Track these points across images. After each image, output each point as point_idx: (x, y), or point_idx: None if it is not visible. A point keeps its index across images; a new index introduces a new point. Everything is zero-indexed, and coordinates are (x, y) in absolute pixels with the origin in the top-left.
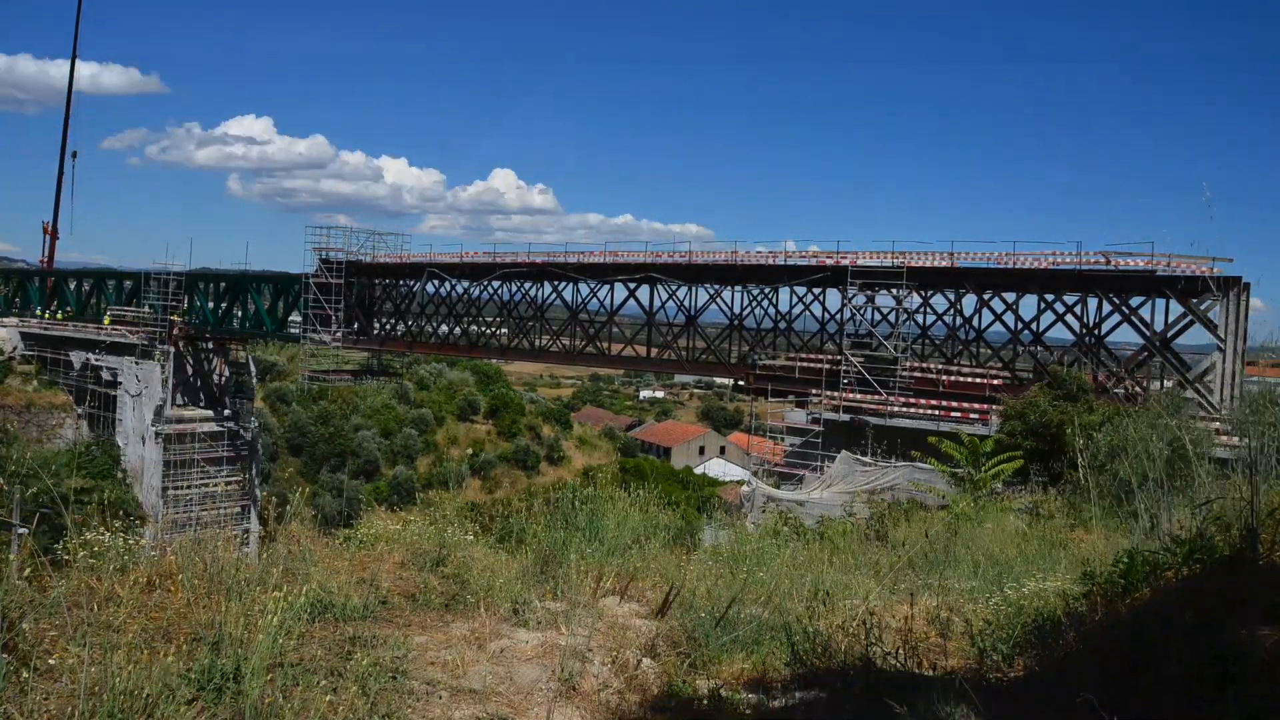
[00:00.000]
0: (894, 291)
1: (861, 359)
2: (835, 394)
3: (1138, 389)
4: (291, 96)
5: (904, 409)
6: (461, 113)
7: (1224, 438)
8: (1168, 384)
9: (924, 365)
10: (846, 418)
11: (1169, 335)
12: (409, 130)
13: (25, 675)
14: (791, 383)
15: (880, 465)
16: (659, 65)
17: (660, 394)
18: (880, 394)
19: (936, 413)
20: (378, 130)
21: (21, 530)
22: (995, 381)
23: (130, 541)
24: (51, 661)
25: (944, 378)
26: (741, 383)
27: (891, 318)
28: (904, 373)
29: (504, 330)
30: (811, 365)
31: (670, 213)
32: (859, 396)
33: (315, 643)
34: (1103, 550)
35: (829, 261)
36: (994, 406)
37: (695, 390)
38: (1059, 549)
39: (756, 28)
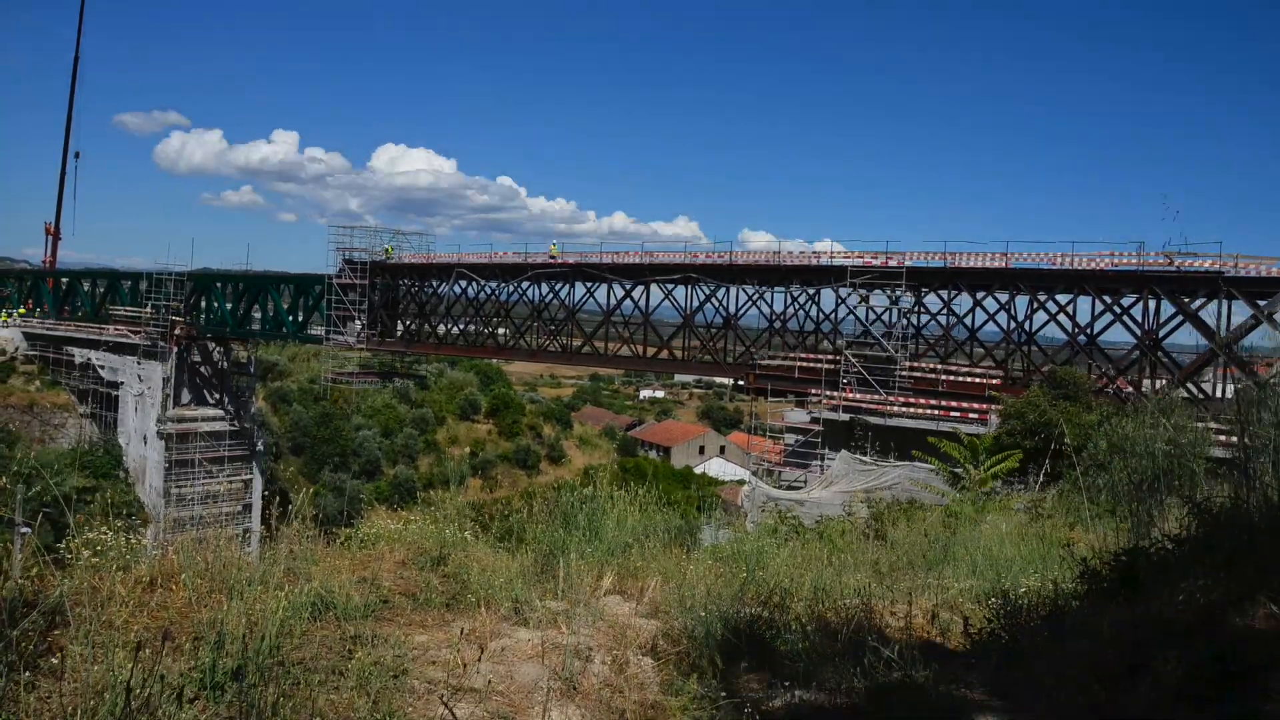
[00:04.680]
0: (890, 292)
1: (861, 359)
2: (835, 394)
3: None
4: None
5: (904, 409)
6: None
7: (1222, 437)
8: (1233, 388)
9: (923, 365)
10: (846, 417)
11: (1233, 338)
12: (421, 123)
13: (27, 675)
14: (791, 382)
15: (880, 465)
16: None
17: (660, 393)
18: (880, 394)
19: (936, 412)
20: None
21: (25, 529)
22: (994, 381)
23: (132, 541)
24: (54, 661)
25: (943, 377)
26: (741, 382)
27: (943, 319)
28: (903, 372)
29: (505, 332)
30: (811, 365)
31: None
32: (859, 396)
33: (317, 642)
34: (1101, 549)
35: (875, 262)
36: (993, 406)
37: (695, 390)
38: (1057, 548)
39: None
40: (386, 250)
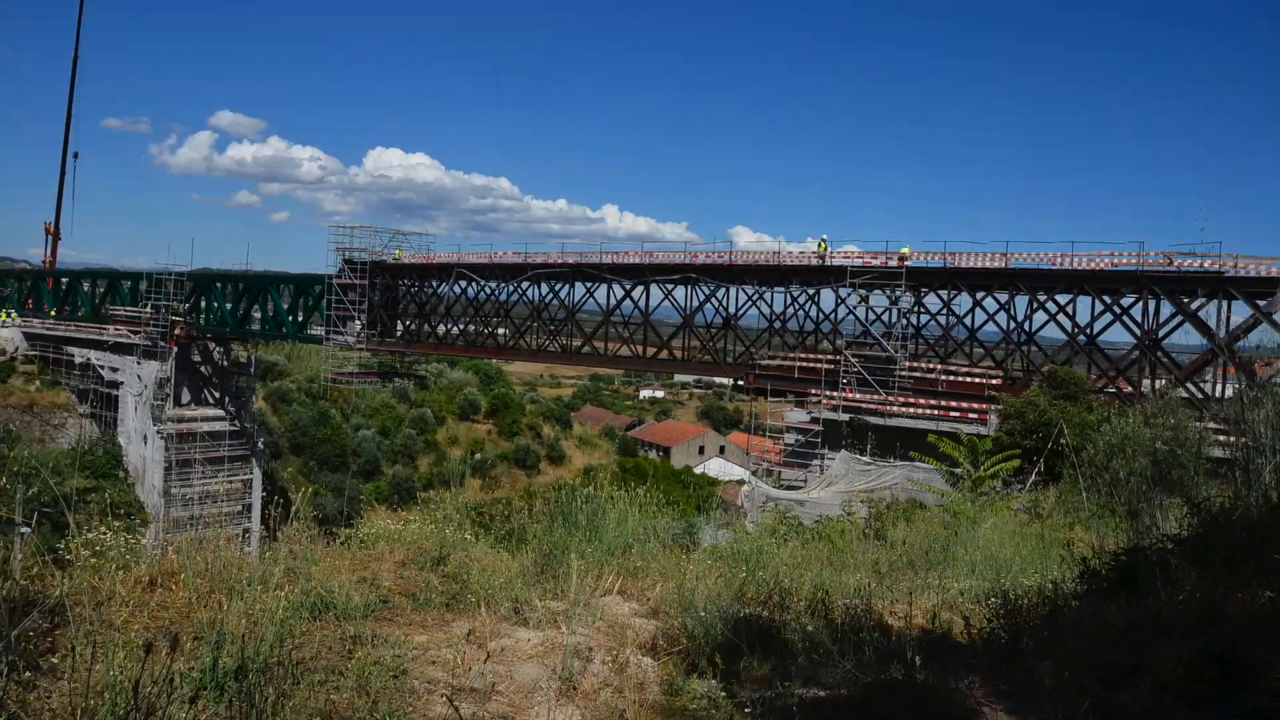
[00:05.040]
0: (889, 292)
1: (861, 359)
2: (834, 394)
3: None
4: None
5: (903, 408)
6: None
7: (1221, 437)
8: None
9: (923, 365)
10: (846, 417)
11: (1232, 338)
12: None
13: (27, 674)
14: (791, 382)
15: (879, 465)
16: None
17: (660, 393)
18: (880, 394)
19: (936, 412)
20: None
21: (24, 529)
22: (994, 381)
23: (132, 540)
24: (54, 660)
25: (943, 377)
26: (741, 382)
27: (943, 319)
28: (903, 372)
29: (505, 332)
30: (811, 365)
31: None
32: (859, 396)
33: (317, 642)
34: (1101, 549)
35: (875, 262)
36: (993, 406)
37: (695, 390)
38: (1057, 548)
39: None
40: (397, 254)
